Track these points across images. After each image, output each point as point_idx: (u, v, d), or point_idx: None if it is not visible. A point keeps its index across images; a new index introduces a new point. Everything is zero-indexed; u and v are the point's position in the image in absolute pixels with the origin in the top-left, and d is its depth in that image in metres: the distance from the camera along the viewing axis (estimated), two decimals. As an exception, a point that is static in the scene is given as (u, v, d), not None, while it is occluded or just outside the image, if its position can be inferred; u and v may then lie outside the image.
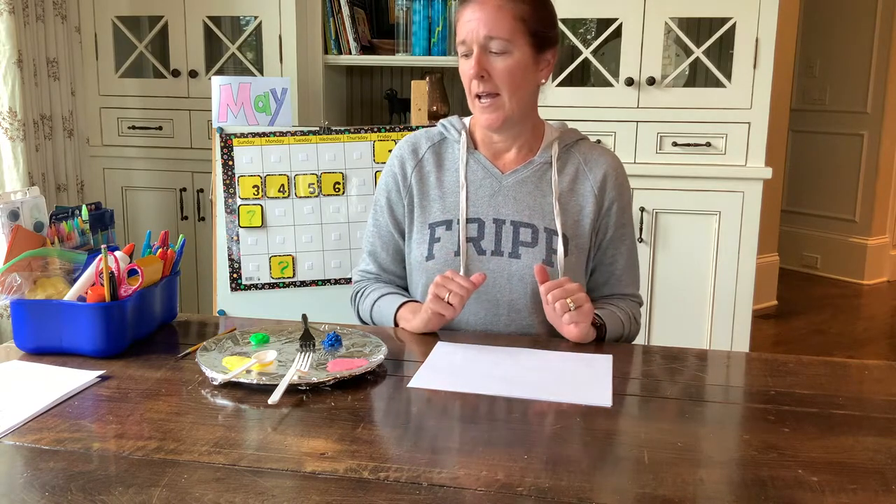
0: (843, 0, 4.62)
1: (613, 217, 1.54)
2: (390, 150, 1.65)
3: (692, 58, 2.68)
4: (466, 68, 1.45)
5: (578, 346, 1.38)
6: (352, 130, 2.23)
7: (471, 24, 1.42)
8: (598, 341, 1.42)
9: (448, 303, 1.37)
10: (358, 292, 1.62)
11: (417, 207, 1.56)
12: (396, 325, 1.50)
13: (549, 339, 1.47)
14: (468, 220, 1.51)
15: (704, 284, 2.67)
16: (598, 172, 1.53)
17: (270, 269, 2.19)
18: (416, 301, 1.54)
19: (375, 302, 1.55)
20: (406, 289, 1.62)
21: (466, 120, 1.59)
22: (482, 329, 1.49)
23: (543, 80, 1.51)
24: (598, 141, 2.66)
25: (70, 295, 1.29)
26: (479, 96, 1.46)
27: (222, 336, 1.34)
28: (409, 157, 1.58)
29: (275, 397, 1.10)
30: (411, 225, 1.57)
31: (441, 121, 1.61)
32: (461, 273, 1.47)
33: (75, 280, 1.32)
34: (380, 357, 1.26)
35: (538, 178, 1.52)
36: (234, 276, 2.19)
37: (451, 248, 1.51)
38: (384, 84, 3.35)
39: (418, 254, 1.54)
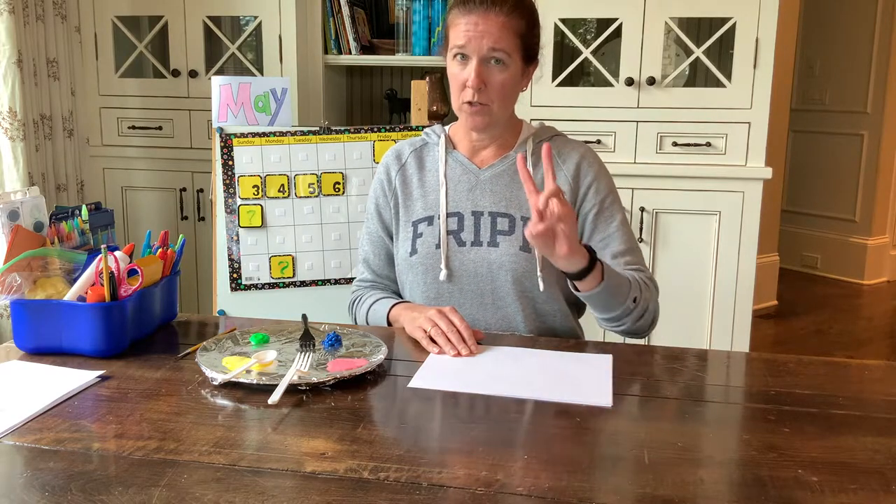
0: (843, 0, 4.62)
1: (594, 195, 1.53)
2: (390, 150, 1.68)
3: (692, 58, 2.67)
4: (460, 73, 1.47)
5: (578, 346, 1.38)
6: (352, 130, 2.23)
7: (473, 35, 1.44)
8: (595, 281, 1.35)
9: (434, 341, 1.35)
10: (354, 301, 1.67)
11: (402, 208, 1.61)
12: (389, 324, 1.53)
13: (548, 339, 1.47)
14: (448, 215, 1.56)
15: (704, 284, 2.67)
16: (571, 163, 1.55)
17: (270, 269, 2.19)
18: (408, 302, 1.58)
19: (371, 306, 1.59)
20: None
21: (447, 126, 1.65)
22: (470, 320, 1.48)
23: (524, 89, 1.56)
24: (598, 141, 2.66)
25: (70, 295, 1.29)
26: (468, 103, 1.48)
27: (222, 336, 1.34)
28: (394, 163, 1.65)
29: (275, 397, 1.10)
30: (398, 226, 1.62)
31: (424, 129, 1.67)
32: (441, 263, 1.52)
33: (75, 280, 1.32)
34: (380, 357, 1.26)
35: (514, 171, 1.56)
36: (234, 276, 2.19)
37: (432, 242, 1.55)
38: (384, 84, 3.35)
39: (403, 251, 1.59)
